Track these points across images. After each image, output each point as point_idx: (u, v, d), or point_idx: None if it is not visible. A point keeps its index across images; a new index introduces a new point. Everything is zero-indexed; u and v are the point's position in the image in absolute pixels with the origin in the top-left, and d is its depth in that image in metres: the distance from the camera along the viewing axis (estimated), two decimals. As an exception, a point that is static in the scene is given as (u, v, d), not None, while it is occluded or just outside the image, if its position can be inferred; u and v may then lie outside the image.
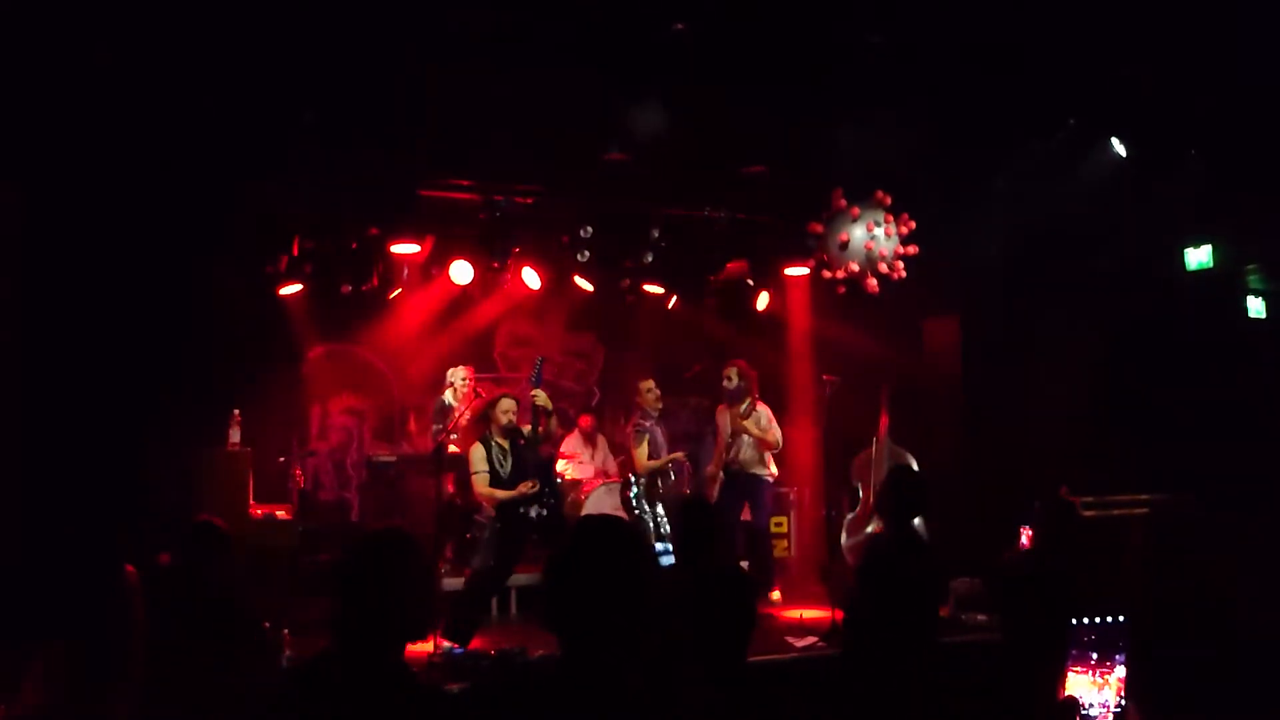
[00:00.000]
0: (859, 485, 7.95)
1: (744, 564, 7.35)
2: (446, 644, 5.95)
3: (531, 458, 6.40)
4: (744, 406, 7.56)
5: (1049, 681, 3.29)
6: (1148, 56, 6.82)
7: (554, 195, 7.79)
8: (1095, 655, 3.32)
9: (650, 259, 8.14)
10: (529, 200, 7.71)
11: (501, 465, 6.37)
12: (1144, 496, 7.17)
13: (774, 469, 7.77)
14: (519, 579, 7.25)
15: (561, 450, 8.73)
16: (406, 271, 7.96)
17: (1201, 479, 7.10)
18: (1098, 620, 3.33)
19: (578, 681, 2.17)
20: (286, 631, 5.23)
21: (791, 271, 8.50)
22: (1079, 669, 3.32)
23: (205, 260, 6.92)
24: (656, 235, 8.03)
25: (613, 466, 8.68)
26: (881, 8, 6.24)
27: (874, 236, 7.37)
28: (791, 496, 8.83)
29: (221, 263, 7.07)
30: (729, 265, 8.46)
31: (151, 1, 5.66)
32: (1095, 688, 3.32)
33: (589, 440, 8.85)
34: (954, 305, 8.74)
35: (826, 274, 7.61)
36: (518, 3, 5.96)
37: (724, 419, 7.72)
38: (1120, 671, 3.33)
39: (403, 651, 2.48)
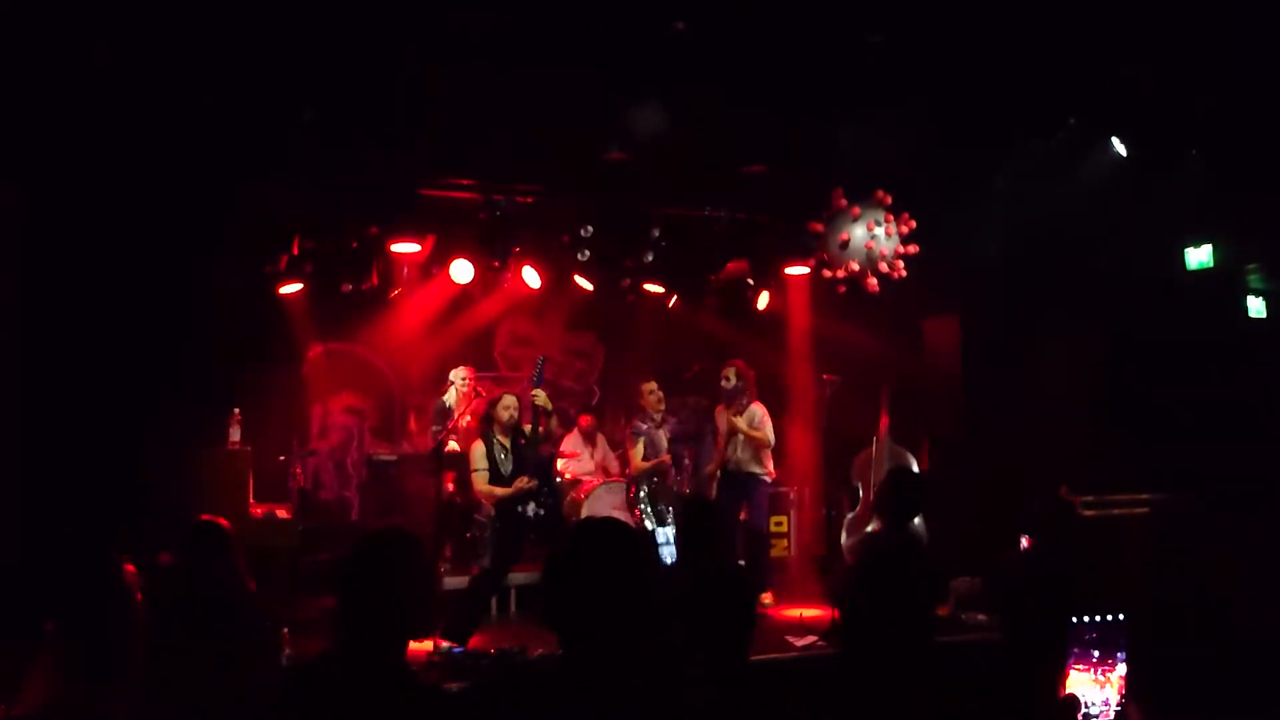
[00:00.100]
0: (859, 485, 7.96)
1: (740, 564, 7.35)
2: (446, 644, 5.96)
3: (531, 457, 6.42)
4: (736, 405, 7.57)
5: (1049, 681, 3.29)
6: (1148, 56, 6.82)
7: (554, 195, 7.79)
8: (1097, 653, 3.33)
9: (650, 258, 8.14)
10: (529, 200, 7.71)
11: (502, 463, 6.39)
12: (1144, 496, 7.17)
13: (772, 468, 7.77)
14: (519, 578, 7.25)
15: (561, 449, 8.75)
16: (406, 271, 7.96)
17: (1201, 479, 7.10)
18: (1099, 619, 3.33)
19: (578, 681, 2.17)
20: (286, 631, 5.23)
21: (792, 271, 8.49)
22: (1081, 667, 3.32)
23: (205, 260, 6.91)
24: (657, 235, 8.03)
25: (613, 465, 8.69)
26: (881, 8, 6.24)
27: (875, 236, 7.37)
28: (791, 496, 8.82)
29: (221, 262, 7.06)
30: (729, 265, 8.46)
31: (151, 1, 5.66)
32: (1097, 685, 3.33)
33: (589, 439, 8.86)
34: (954, 305, 8.73)
35: (827, 273, 7.61)
36: (518, 3, 5.96)
37: (722, 419, 7.73)
38: (1121, 669, 3.33)
39: (404, 651, 2.48)
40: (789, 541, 8.76)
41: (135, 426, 6.59)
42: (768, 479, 7.73)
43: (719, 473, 7.73)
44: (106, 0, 5.62)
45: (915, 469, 7.89)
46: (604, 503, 7.87)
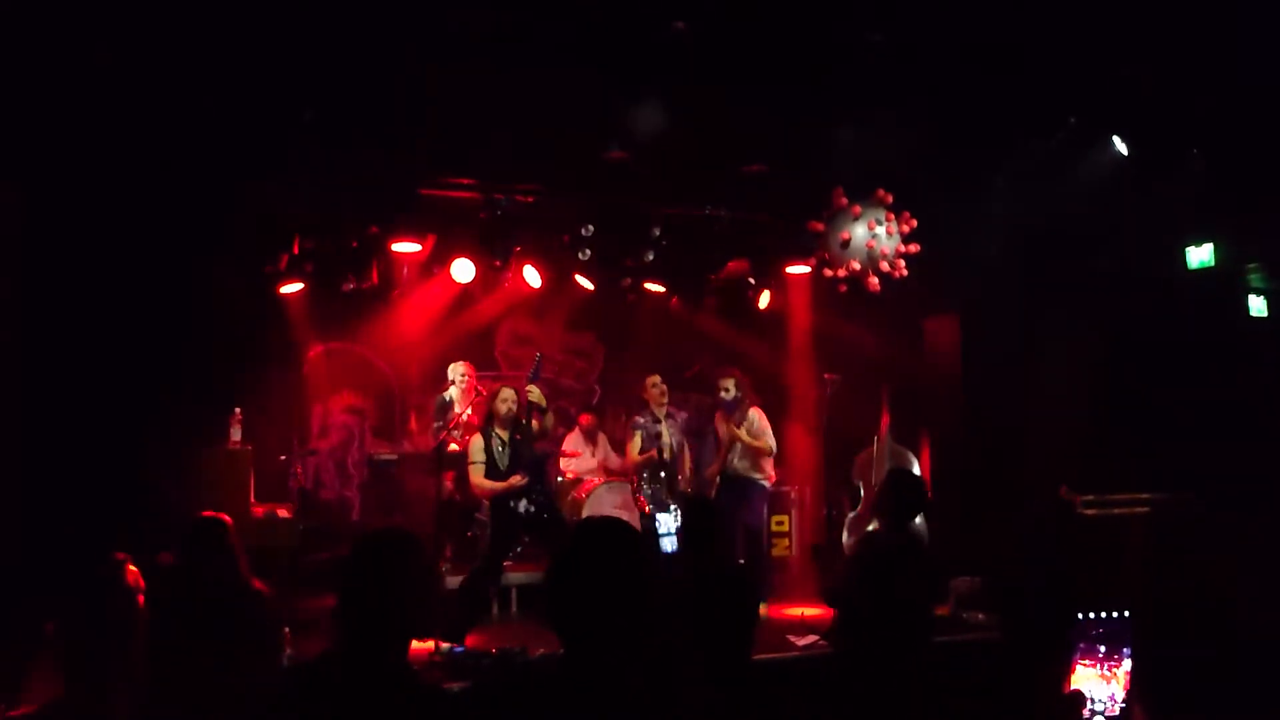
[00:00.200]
0: (860, 484, 7.95)
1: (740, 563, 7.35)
2: (446, 644, 5.95)
3: (527, 453, 6.42)
4: (736, 415, 7.55)
5: (1049, 680, 3.30)
6: (1148, 56, 6.81)
7: (554, 194, 7.79)
8: (1103, 649, 3.34)
9: (651, 258, 8.14)
10: (530, 199, 7.72)
11: (499, 458, 6.39)
12: (1144, 496, 7.16)
13: (771, 472, 7.75)
14: (519, 577, 7.25)
15: (563, 449, 8.75)
16: (407, 270, 7.97)
17: (1201, 479, 7.09)
18: (1104, 615, 3.34)
19: (579, 681, 2.17)
20: (287, 631, 5.23)
21: (792, 270, 8.49)
22: (1087, 662, 3.33)
23: (205, 260, 6.92)
24: (657, 234, 8.03)
25: (615, 464, 8.69)
26: (881, 8, 6.24)
27: (875, 235, 7.36)
28: (792, 495, 8.82)
29: (222, 262, 7.07)
30: (730, 264, 8.46)
31: (151, 1, 5.66)
32: (1103, 681, 3.33)
33: (590, 438, 8.86)
34: (954, 304, 8.74)
35: (828, 272, 7.60)
36: (518, 3, 5.96)
37: (723, 427, 7.67)
38: (1127, 665, 3.34)
39: (405, 651, 2.48)
40: (790, 541, 8.76)
41: (135, 426, 6.60)
42: (766, 484, 7.70)
43: (718, 478, 7.71)
44: (106, 0, 5.62)
45: (915, 469, 7.89)
46: (605, 502, 7.87)
